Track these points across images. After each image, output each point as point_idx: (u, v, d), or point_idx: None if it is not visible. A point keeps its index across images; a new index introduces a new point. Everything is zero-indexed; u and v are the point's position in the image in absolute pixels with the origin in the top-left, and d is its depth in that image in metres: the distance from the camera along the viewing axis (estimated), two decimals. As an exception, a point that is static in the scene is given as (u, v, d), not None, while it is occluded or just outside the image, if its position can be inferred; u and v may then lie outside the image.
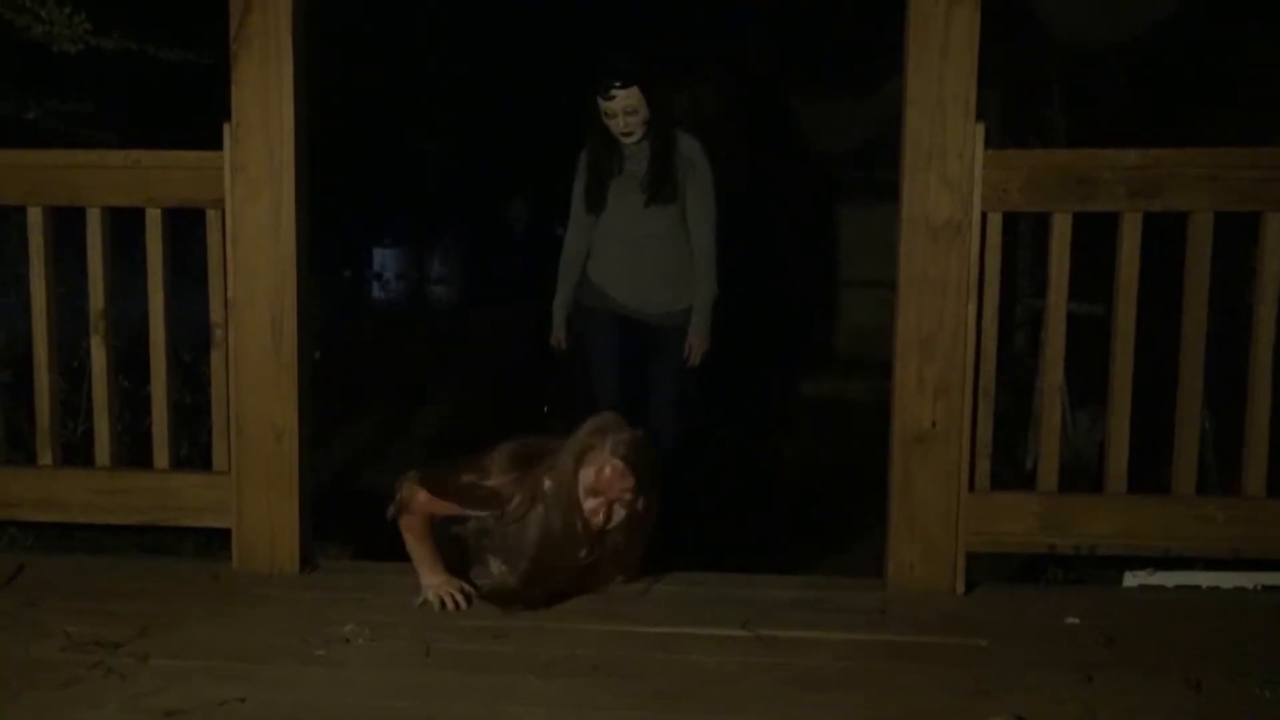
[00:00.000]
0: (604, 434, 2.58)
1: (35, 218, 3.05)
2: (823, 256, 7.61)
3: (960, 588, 2.83)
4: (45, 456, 3.11)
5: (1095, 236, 2.86)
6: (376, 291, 10.05)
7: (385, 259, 10.07)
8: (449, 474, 2.74)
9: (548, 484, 2.62)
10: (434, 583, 2.73)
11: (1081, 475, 3.96)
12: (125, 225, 3.05)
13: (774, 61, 8.17)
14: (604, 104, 3.72)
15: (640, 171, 3.81)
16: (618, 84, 3.68)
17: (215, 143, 2.92)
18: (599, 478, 2.55)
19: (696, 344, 3.88)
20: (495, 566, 2.81)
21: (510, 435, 2.76)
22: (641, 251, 3.85)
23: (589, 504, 2.57)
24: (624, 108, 3.69)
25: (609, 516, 2.58)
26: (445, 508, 2.74)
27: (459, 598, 2.71)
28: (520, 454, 2.70)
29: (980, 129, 2.74)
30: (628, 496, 2.56)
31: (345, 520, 3.93)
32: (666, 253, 3.85)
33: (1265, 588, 2.87)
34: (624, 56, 3.82)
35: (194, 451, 3.55)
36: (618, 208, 3.85)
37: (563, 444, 2.64)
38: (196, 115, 3.13)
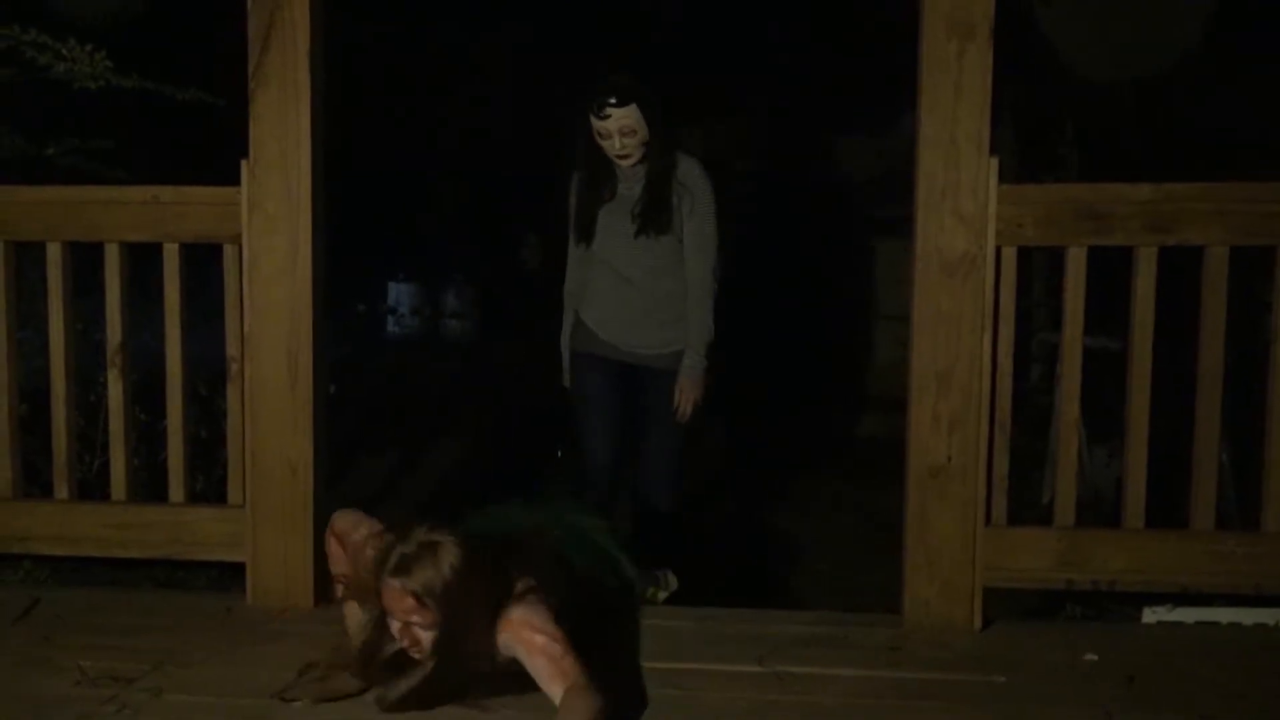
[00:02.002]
0: (396, 546, 2.23)
1: (54, 253, 3.07)
2: (846, 290, 7.59)
3: (977, 623, 2.81)
4: (61, 490, 3.12)
5: (1110, 271, 2.86)
6: (391, 326, 10.06)
7: (400, 294, 10.10)
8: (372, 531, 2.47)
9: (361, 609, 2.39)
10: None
11: (1099, 510, 3.94)
12: (143, 260, 3.07)
13: (795, 97, 8.21)
14: (598, 123, 3.35)
15: (633, 196, 3.44)
16: (613, 101, 3.31)
17: (232, 179, 2.94)
18: (384, 596, 2.23)
19: (687, 391, 3.46)
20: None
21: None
22: (634, 287, 3.46)
23: (392, 625, 2.27)
24: (620, 128, 3.32)
25: (415, 640, 2.24)
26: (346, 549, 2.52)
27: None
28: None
29: (994, 165, 2.75)
30: (416, 619, 2.20)
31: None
32: (658, 286, 3.45)
33: (1286, 624, 2.85)
34: (621, 74, 3.40)
35: (209, 485, 3.56)
36: (609, 237, 3.47)
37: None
38: (214, 152, 3.16)
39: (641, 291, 3.46)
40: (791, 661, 2.63)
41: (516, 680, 2.28)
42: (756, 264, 7.30)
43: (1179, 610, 2.89)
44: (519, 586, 2.30)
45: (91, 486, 3.38)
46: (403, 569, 2.18)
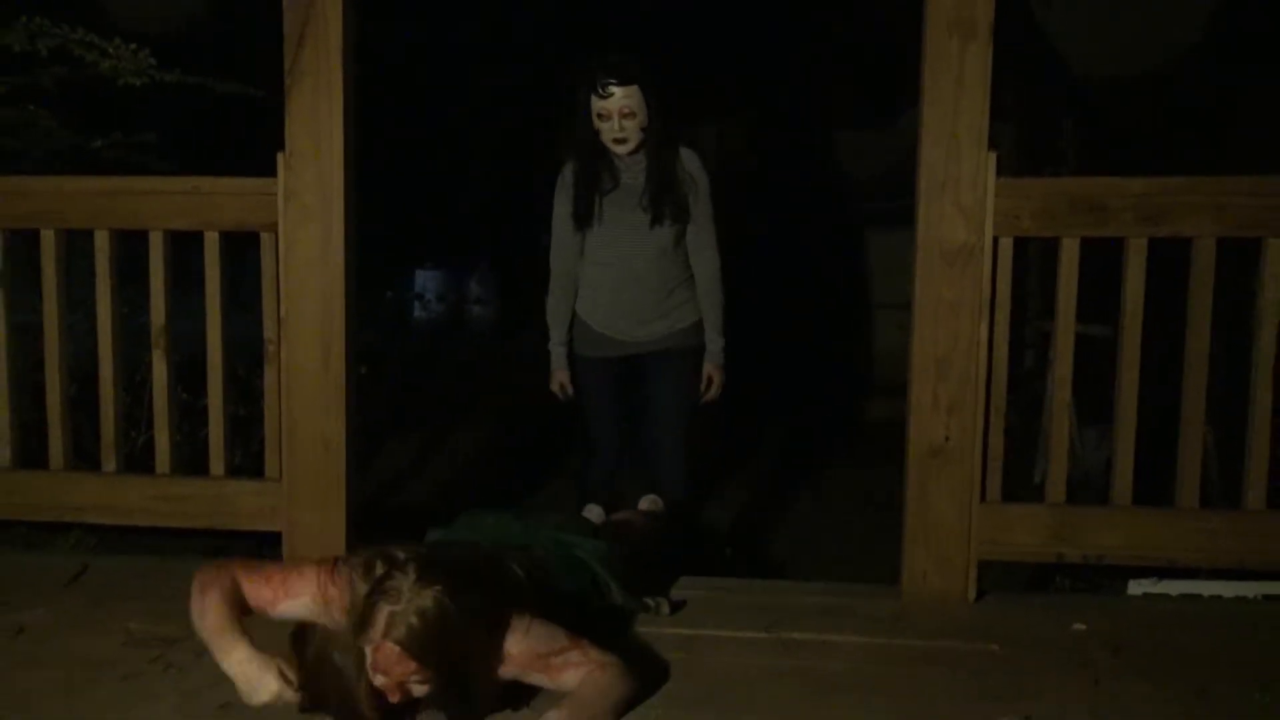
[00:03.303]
0: (383, 604, 1.99)
1: (101, 240, 3.10)
2: (849, 280, 7.56)
3: (972, 595, 2.83)
4: (109, 464, 3.16)
5: (1102, 260, 2.87)
6: (418, 311, 10.06)
7: (426, 281, 10.09)
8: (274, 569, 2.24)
9: (336, 655, 2.08)
10: (242, 670, 2.11)
11: (1088, 489, 3.95)
12: (184, 248, 3.10)
13: (798, 94, 8.19)
14: (598, 103, 3.15)
15: (637, 186, 3.25)
16: (615, 81, 3.12)
17: (269, 170, 2.96)
18: (377, 659, 2.00)
19: (714, 374, 3.40)
20: None
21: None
22: (637, 280, 3.30)
23: (377, 679, 2.03)
24: (621, 109, 3.13)
25: (404, 693, 2.04)
26: (275, 594, 2.18)
27: (287, 689, 2.11)
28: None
29: (993, 158, 2.75)
30: (416, 678, 2.01)
31: (387, 526, 3.97)
32: (664, 278, 3.32)
33: (1266, 597, 2.86)
34: (624, 55, 3.20)
35: (247, 460, 3.59)
36: (615, 227, 3.28)
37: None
38: (251, 144, 3.18)
39: (648, 283, 3.32)
40: (797, 629, 2.66)
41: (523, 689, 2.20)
42: (761, 257, 7.29)
43: (1164, 583, 2.91)
44: (510, 614, 2.14)
45: (137, 460, 3.41)
46: (393, 629, 1.96)
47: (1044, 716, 2.20)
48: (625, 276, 3.32)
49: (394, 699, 2.03)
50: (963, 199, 2.77)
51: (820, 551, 4.28)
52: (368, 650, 2.00)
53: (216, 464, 3.12)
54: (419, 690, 2.03)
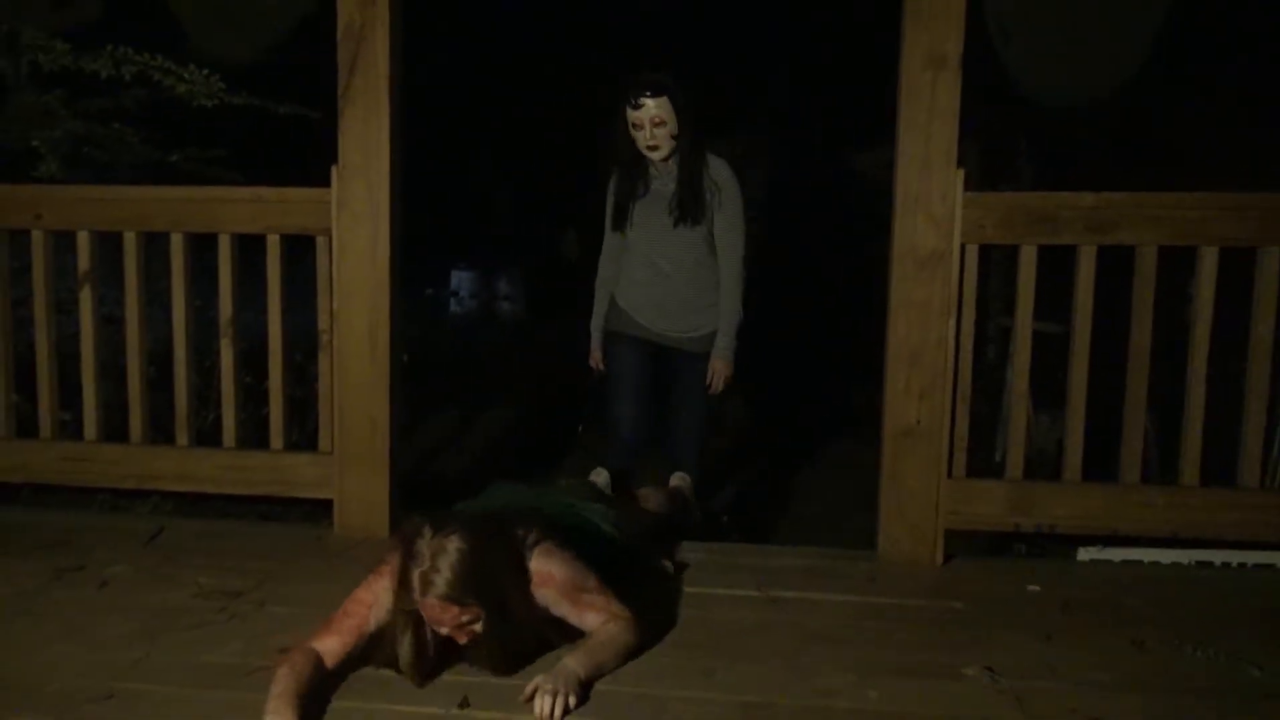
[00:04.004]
0: (413, 568, 1.95)
1: (177, 242, 3.10)
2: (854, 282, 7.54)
3: (939, 560, 2.82)
4: (182, 438, 3.16)
5: (1056, 266, 2.84)
6: (454, 307, 10.06)
7: (461, 279, 10.08)
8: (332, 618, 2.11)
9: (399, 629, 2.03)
10: None
11: (1042, 467, 3.92)
12: (249, 249, 3.09)
13: (813, 114, 8.12)
14: (632, 114, 3.12)
15: (667, 191, 3.20)
16: (647, 93, 3.09)
17: (324, 181, 2.96)
18: (427, 615, 1.99)
19: (720, 369, 3.27)
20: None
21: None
22: (666, 277, 3.23)
23: (442, 631, 2.01)
24: (652, 118, 3.10)
25: (471, 632, 2.01)
26: (342, 637, 2.07)
27: None
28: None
29: (961, 175, 2.73)
30: (465, 620, 1.97)
31: (427, 496, 3.97)
32: (692, 277, 3.23)
33: (1199, 563, 2.85)
34: (656, 69, 3.17)
35: (303, 436, 3.58)
36: (644, 229, 3.24)
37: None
38: (308, 159, 3.17)
39: (675, 281, 3.23)
40: (786, 588, 2.65)
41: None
42: (777, 259, 7.26)
43: (1108, 550, 2.89)
44: (528, 537, 2.12)
45: (207, 435, 3.40)
46: (429, 584, 1.93)
47: (1002, 665, 2.18)
48: (653, 274, 3.25)
49: (463, 640, 2.01)
50: (934, 210, 2.75)
51: (805, 519, 4.27)
52: (423, 612, 1.98)
53: (276, 439, 3.12)
54: (479, 624, 1.99)
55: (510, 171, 9.75)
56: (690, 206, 3.17)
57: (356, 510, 3.01)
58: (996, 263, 4.93)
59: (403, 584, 1.96)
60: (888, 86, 2.82)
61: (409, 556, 1.96)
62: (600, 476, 3.31)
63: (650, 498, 3.19)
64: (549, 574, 2.10)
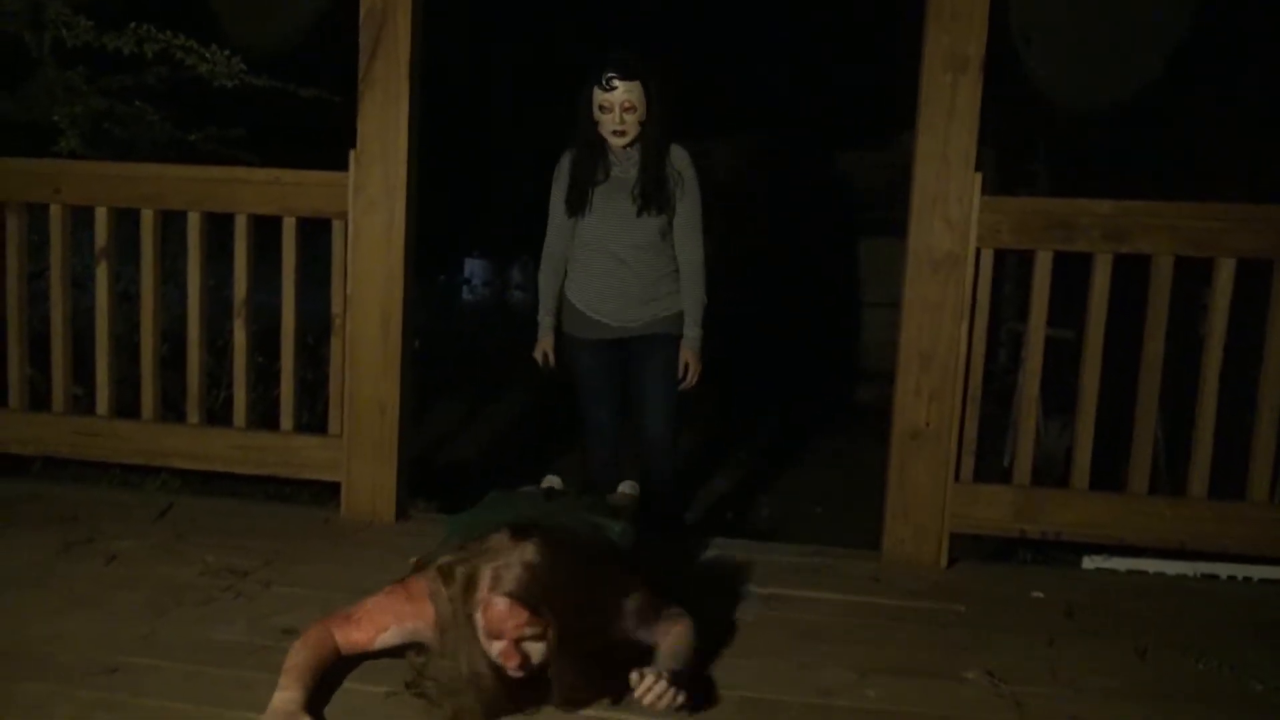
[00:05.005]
0: (484, 565, 1.77)
1: (194, 221, 3.10)
2: (844, 281, 7.53)
3: (943, 562, 2.82)
4: (193, 417, 3.17)
5: (1070, 272, 2.83)
6: (465, 294, 10.09)
7: (474, 268, 10.11)
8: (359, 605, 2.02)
9: (445, 636, 1.86)
10: (274, 705, 1.81)
11: (1050, 473, 3.92)
12: (265, 230, 3.10)
13: (805, 117, 8.14)
14: (601, 96, 2.95)
15: (629, 179, 3.04)
16: (619, 75, 2.92)
17: (341, 165, 2.96)
18: (487, 620, 1.77)
19: (691, 359, 3.14)
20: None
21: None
22: (625, 267, 3.08)
23: (494, 648, 1.79)
24: (622, 102, 2.93)
25: (524, 656, 1.78)
26: (364, 634, 1.98)
27: None
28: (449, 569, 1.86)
29: (978, 179, 2.72)
30: (529, 632, 1.75)
31: (434, 481, 3.99)
32: (650, 267, 3.08)
33: (1204, 575, 2.84)
34: (629, 52, 3.00)
35: (312, 418, 3.60)
36: (602, 217, 3.06)
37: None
38: (326, 142, 3.18)
39: (634, 271, 3.08)
40: (786, 586, 2.65)
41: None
42: (768, 259, 7.26)
43: (1114, 559, 2.89)
44: (621, 579, 1.94)
45: (218, 415, 3.42)
46: (499, 581, 1.74)
47: (1003, 669, 2.18)
48: (612, 263, 3.09)
49: (512, 666, 1.77)
50: (950, 214, 2.74)
51: (809, 517, 4.28)
52: (478, 618, 1.77)
53: (286, 420, 3.13)
54: (536, 652, 1.78)
55: (528, 160, 9.78)
56: (654, 195, 3.03)
57: (364, 494, 3.02)
58: (1010, 266, 4.93)
59: (468, 582, 1.77)
60: (889, 87, 2.81)
61: (480, 553, 1.78)
62: (553, 481, 3.06)
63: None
64: (638, 610, 1.94)
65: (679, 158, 3.07)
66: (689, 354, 3.15)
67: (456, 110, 8.12)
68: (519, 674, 1.79)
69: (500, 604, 1.74)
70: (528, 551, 1.76)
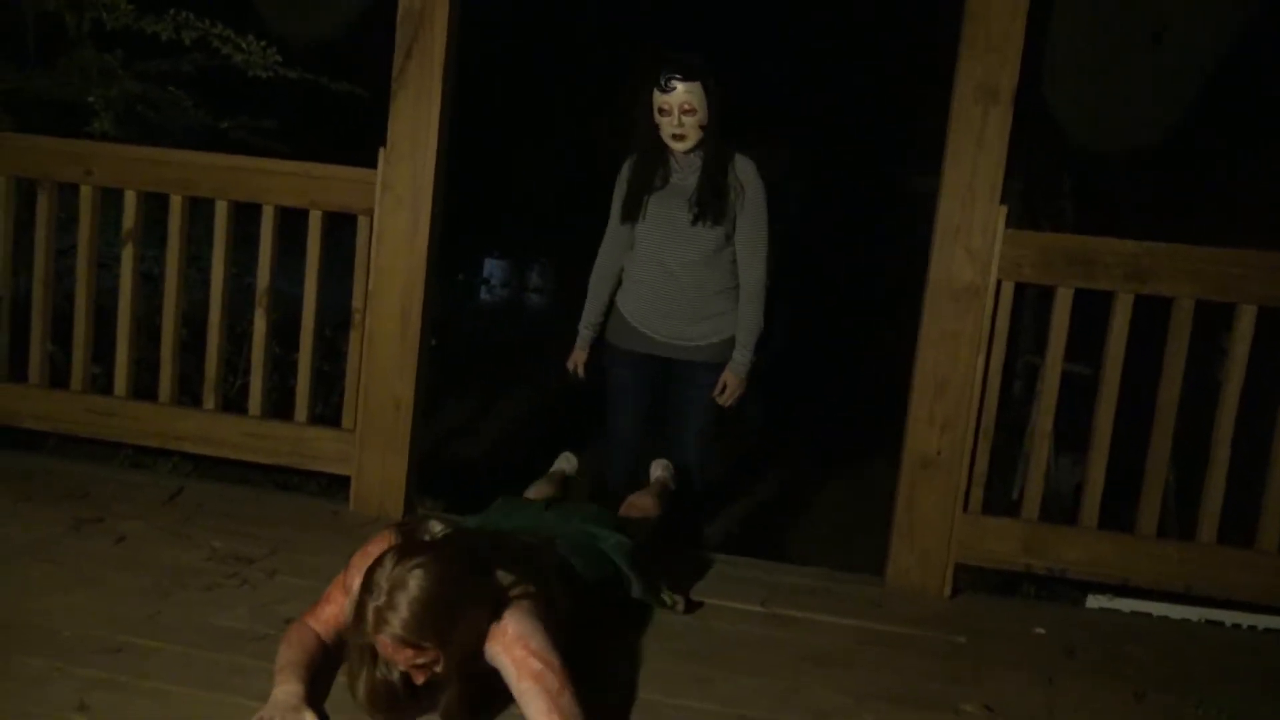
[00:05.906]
0: (366, 601, 1.73)
1: (221, 209, 3.12)
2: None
3: (947, 592, 2.81)
4: (209, 402, 3.18)
5: (1090, 305, 2.82)
6: (484, 294, 10.12)
7: (493, 268, 10.15)
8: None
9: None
10: (276, 698, 1.84)
11: (1058, 509, 3.90)
12: (291, 222, 3.12)
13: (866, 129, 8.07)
14: (660, 98, 2.82)
15: (688, 186, 2.91)
16: (679, 75, 2.80)
17: (370, 162, 2.97)
18: (380, 651, 1.77)
19: (733, 384, 3.01)
20: None
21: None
22: (673, 277, 2.96)
23: (398, 668, 1.80)
24: (681, 104, 2.80)
25: (426, 673, 1.79)
26: (334, 605, 2.00)
27: None
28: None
29: (1003, 211, 2.71)
30: (420, 660, 1.75)
31: (442, 479, 4.00)
32: (703, 281, 2.96)
33: (1208, 621, 2.81)
34: (690, 53, 2.87)
35: (327, 410, 3.62)
36: (656, 224, 2.95)
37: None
38: (357, 138, 3.20)
39: (685, 285, 2.96)
40: (789, 606, 2.64)
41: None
42: (814, 277, 7.22)
43: (1118, 600, 2.86)
44: (514, 589, 1.88)
45: (233, 402, 3.44)
46: (383, 622, 1.71)
47: (1002, 704, 2.17)
48: (660, 275, 2.98)
49: (420, 680, 1.80)
50: (973, 244, 2.73)
51: (817, 538, 4.27)
52: (379, 651, 1.78)
53: (300, 411, 3.14)
54: (439, 668, 1.78)
55: (552, 163, 9.80)
56: (711, 204, 2.88)
57: (374, 488, 3.03)
58: (1030, 298, 4.92)
59: (358, 615, 1.75)
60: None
61: (364, 588, 1.75)
62: (569, 463, 3.11)
63: (637, 505, 2.90)
64: (518, 640, 1.82)
65: (744, 168, 2.93)
66: (733, 376, 3.02)
67: (488, 109, 8.14)
68: (423, 679, 1.80)
69: (386, 644, 1.74)
70: (409, 584, 1.72)
